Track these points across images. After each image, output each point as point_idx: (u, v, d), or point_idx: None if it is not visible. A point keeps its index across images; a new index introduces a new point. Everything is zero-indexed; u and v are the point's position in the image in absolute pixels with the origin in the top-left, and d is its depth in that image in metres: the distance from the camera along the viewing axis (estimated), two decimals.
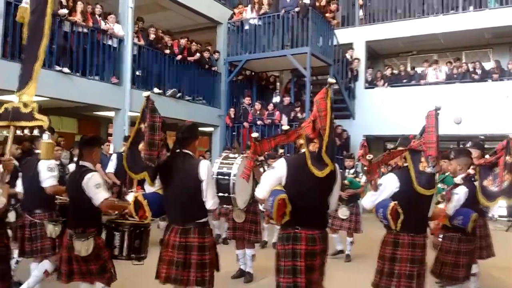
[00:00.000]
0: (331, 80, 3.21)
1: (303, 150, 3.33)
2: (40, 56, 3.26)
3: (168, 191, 3.55)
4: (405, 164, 3.61)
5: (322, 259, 3.36)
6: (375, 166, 3.66)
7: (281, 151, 6.54)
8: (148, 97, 3.42)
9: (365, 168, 3.65)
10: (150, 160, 3.37)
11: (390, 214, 3.41)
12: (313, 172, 3.16)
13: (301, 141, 3.39)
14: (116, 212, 4.13)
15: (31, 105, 3.18)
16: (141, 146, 3.43)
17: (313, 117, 3.20)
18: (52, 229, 4.35)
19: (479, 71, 12.96)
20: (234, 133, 12.61)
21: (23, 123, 3.28)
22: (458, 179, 4.39)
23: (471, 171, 4.28)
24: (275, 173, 3.34)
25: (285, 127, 3.71)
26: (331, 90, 3.13)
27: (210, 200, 3.50)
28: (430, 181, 3.48)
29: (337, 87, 12.95)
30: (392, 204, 3.42)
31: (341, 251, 7.32)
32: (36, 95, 8.03)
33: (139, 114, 3.53)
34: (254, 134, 3.82)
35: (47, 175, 4.35)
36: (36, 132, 3.61)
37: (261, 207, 6.09)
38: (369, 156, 3.66)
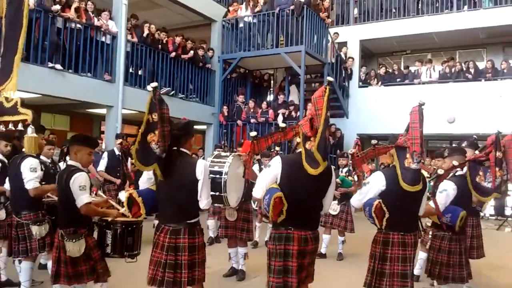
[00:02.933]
0: (330, 78, 3.21)
1: (299, 150, 3.32)
2: (19, 49, 3.19)
3: (162, 189, 3.51)
4: (394, 163, 3.61)
5: (311, 258, 3.37)
6: (358, 160, 3.66)
7: (277, 149, 6.51)
8: (155, 88, 3.34)
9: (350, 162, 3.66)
10: (163, 151, 3.30)
11: (374, 212, 3.43)
12: (307, 170, 3.15)
13: (298, 139, 3.38)
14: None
15: (14, 100, 3.11)
16: (149, 137, 3.31)
17: (311, 115, 3.20)
18: (37, 230, 4.30)
19: (472, 71, 13.01)
20: (225, 130, 12.58)
21: (6, 118, 3.21)
22: (440, 170, 4.38)
23: (455, 162, 4.26)
24: (271, 171, 3.33)
25: (282, 124, 3.69)
26: (329, 88, 3.13)
27: (204, 200, 3.48)
28: (415, 178, 3.46)
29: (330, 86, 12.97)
30: (376, 202, 3.42)
31: (323, 255, 7.16)
32: (28, 92, 8.10)
33: (139, 108, 3.39)
34: (253, 133, 3.80)
35: (29, 176, 4.23)
36: (20, 126, 3.54)
37: (253, 206, 6.08)
38: (350, 151, 3.67)
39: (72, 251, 3.59)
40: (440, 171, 4.32)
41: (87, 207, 3.63)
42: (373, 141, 3.89)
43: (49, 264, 4.36)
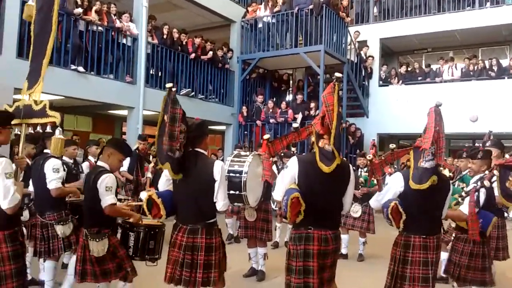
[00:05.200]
0: (338, 74, 3.20)
1: (314, 149, 3.32)
2: (47, 53, 3.27)
3: (180, 190, 3.55)
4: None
5: (333, 258, 3.34)
6: (377, 165, 3.63)
7: (293, 149, 6.50)
8: (170, 88, 3.40)
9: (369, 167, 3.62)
10: (170, 151, 3.33)
11: (391, 214, 3.39)
12: (321, 168, 3.15)
13: (313, 138, 3.38)
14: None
15: (43, 102, 3.19)
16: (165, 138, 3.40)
17: (322, 113, 3.21)
18: (61, 229, 4.39)
19: (495, 68, 12.76)
20: (246, 132, 12.61)
21: (35, 120, 3.29)
22: (474, 180, 4.31)
23: (487, 172, 4.19)
24: (289, 172, 3.33)
25: (295, 125, 3.72)
26: (338, 84, 3.13)
27: (221, 202, 3.49)
28: (422, 176, 3.38)
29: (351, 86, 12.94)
30: (392, 203, 3.39)
31: (345, 256, 7.08)
32: (51, 94, 8.29)
33: (160, 109, 3.44)
34: (266, 136, 3.81)
35: (52, 176, 4.33)
36: (48, 128, 3.62)
37: (273, 206, 6.08)
38: (369, 156, 3.64)
39: (95, 250, 3.65)
40: (473, 181, 4.22)
41: (111, 208, 3.70)
42: (392, 145, 3.86)
43: (72, 261, 4.45)
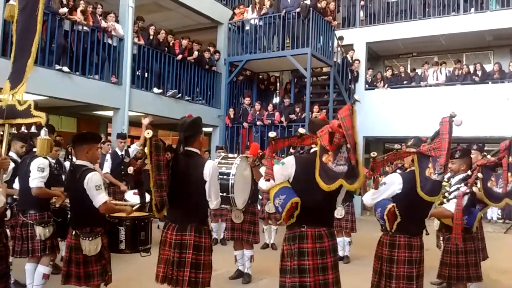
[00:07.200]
0: (356, 97, 3.18)
1: (313, 149, 3.26)
2: (32, 53, 3.21)
3: (171, 190, 3.47)
4: (412, 168, 3.57)
5: (334, 257, 3.27)
6: (379, 164, 3.62)
7: (292, 151, 6.49)
8: (150, 138, 3.28)
9: (370, 164, 3.61)
10: (162, 203, 3.34)
11: (387, 215, 3.41)
12: (319, 184, 3.06)
13: (315, 147, 3.26)
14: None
15: (27, 102, 3.13)
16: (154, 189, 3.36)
17: (331, 129, 3.08)
18: (41, 231, 4.31)
19: (479, 73, 12.94)
20: (226, 138, 12.58)
21: (19, 121, 3.24)
22: (456, 179, 4.37)
23: (470, 172, 4.26)
24: (284, 169, 3.24)
25: (301, 130, 3.63)
26: (355, 106, 3.10)
27: (214, 201, 3.46)
28: (434, 189, 3.41)
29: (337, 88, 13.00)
30: (390, 205, 3.40)
31: (341, 258, 7.13)
32: (36, 94, 8.17)
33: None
34: (272, 134, 3.75)
35: (35, 175, 4.28)
36: (33, 129, 3.56)
37: (258, 208, 6.06)
38: (373, 154, 3.64)
39: (88, 250, 3.59)
40: (455, 180, 4.28)
41: (106, 205, 3.65)
42: (397, 146, 3.88)
43: (39, 269, 4.38)
